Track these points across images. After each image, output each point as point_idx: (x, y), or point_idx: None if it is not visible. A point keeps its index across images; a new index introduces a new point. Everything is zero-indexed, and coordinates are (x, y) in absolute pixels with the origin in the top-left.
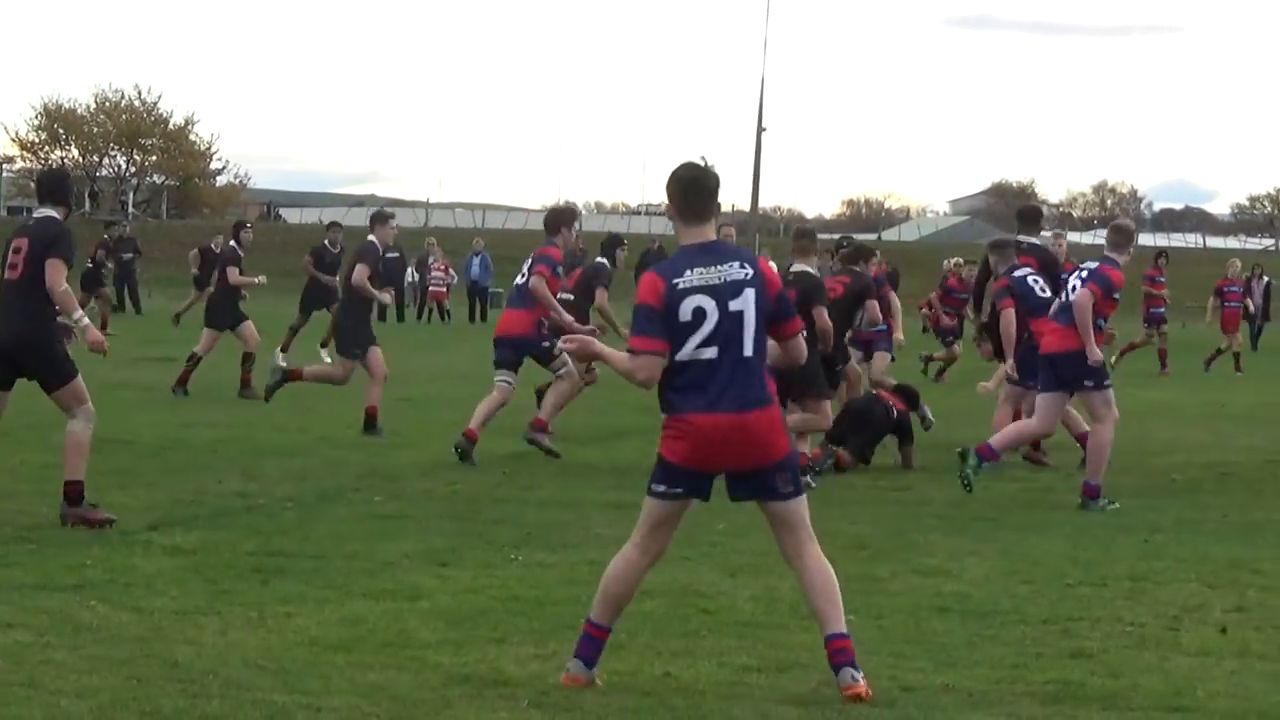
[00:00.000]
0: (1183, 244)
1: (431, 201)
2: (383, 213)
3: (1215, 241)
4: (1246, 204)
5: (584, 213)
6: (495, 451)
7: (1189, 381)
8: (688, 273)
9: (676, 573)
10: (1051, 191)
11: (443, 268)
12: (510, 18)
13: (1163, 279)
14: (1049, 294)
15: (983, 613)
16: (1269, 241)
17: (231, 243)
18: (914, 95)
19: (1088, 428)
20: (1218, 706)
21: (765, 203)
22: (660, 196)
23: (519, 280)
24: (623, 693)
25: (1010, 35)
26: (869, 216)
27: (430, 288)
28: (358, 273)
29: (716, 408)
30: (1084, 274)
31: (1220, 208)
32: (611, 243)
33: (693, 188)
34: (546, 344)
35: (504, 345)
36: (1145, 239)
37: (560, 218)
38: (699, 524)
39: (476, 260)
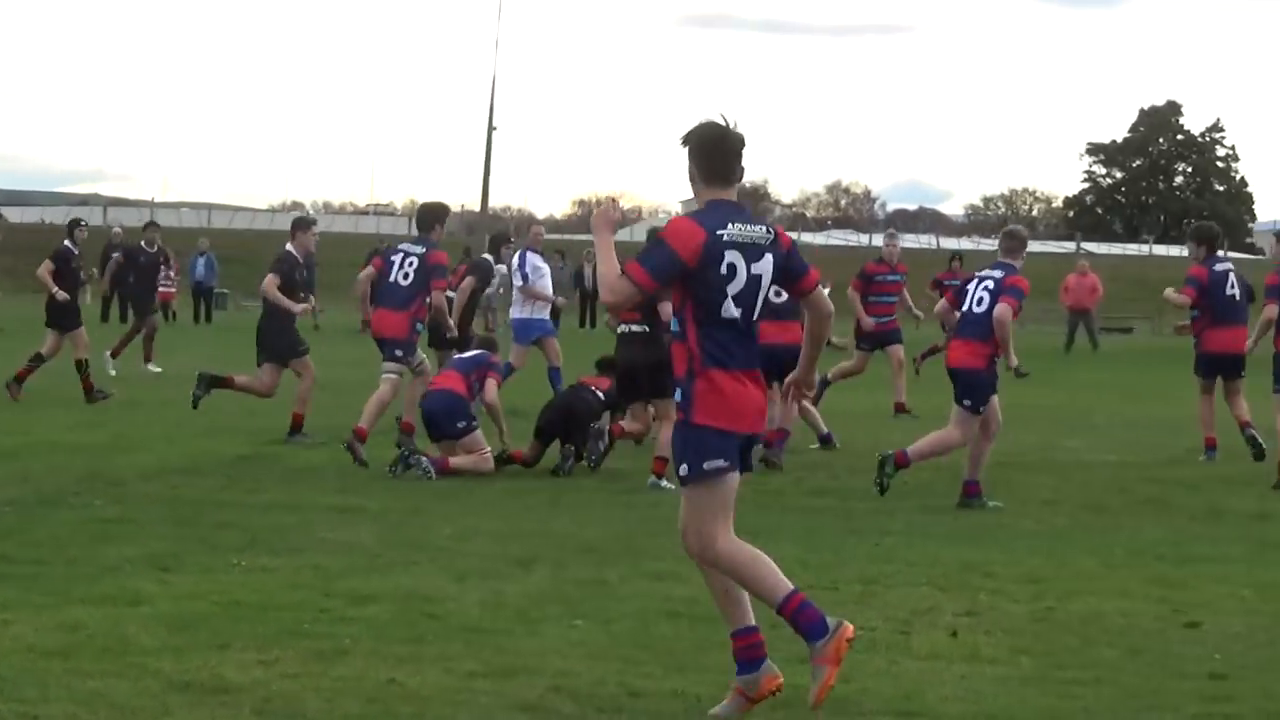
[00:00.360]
0: (916, 245)
1: (157, 201)
2: (304, 219)
3: (949, 242)
4: (980, 204)
5: (311, 212)
6: (220, 455)
7: (923, 384)
8: (729, 225)
9: (401, 578)
10: (785, 191)
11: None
12: (236, 13)
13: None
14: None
15: (712, 617)
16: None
17: None
18: (647, 94)
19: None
20: (948, 710)
21: (495, 202)
22: (389, 196)
23: (399, 280)
24: (347, 699)
25: (744, 34)
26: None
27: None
28: (266, 282)
29: (749, 367)
30: (990, 285)
31: (954, 208)
32: (497, 240)
33: (718, 148)
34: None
35: (384, 345)
36: (878, 240)
37: (436, 215)
38: (426, 528)
39: (202, 260)
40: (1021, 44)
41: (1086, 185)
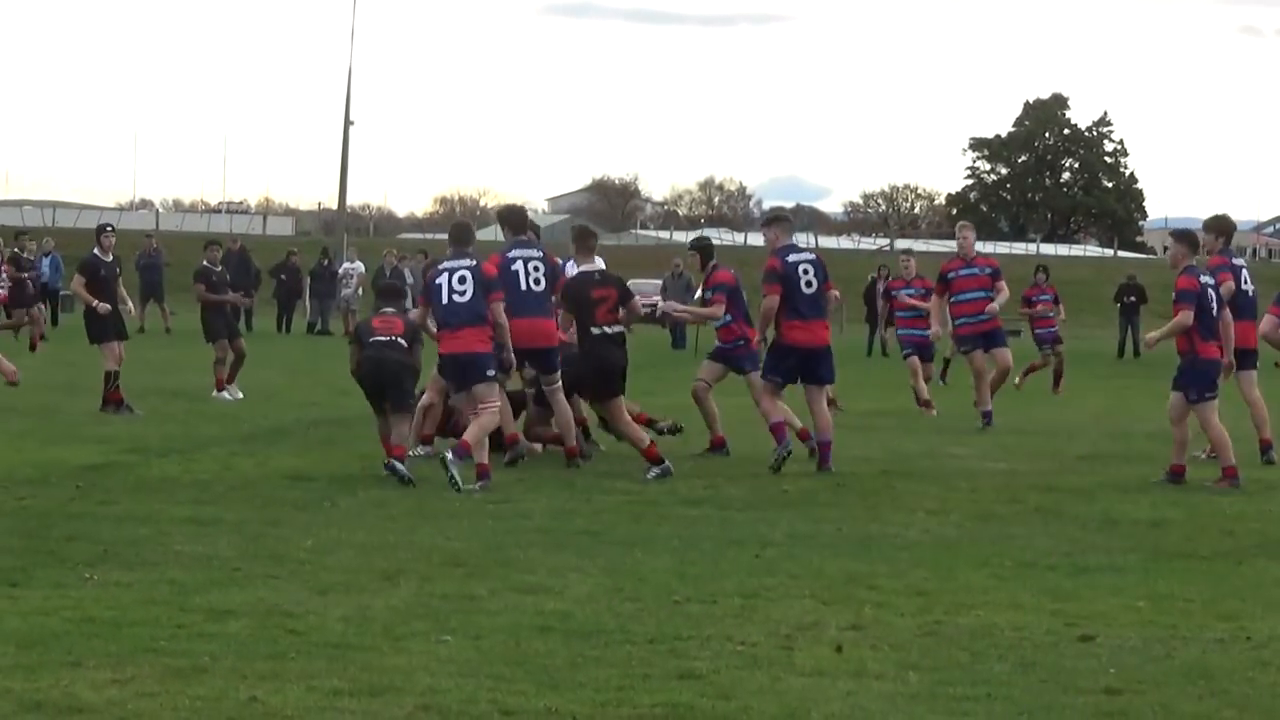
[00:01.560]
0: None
1: None
2: (103, 225)
3: (829, 241)
4: (860, 202)
5: (160, 210)
6: (69, 464)
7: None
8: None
9: (261, 591)
10: (656, 188)
11: (5, 270)
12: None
13: (1047, 296)
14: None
15: (586, 632)
16: (883, 241)
17: None
18: (510, 87)
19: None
20: None
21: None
22: (242, 193)
23: (531, 287)
24: (206, 718)
25: (612, 24)
26: (464, 214)
27: None
28: (74, 283)
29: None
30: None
31: (833, 206)
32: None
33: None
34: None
35: (538, 355)
36: (755, 239)
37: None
38: (285, 540)
39: (47, 261)
40: (902, 35)
41: (970, 182)
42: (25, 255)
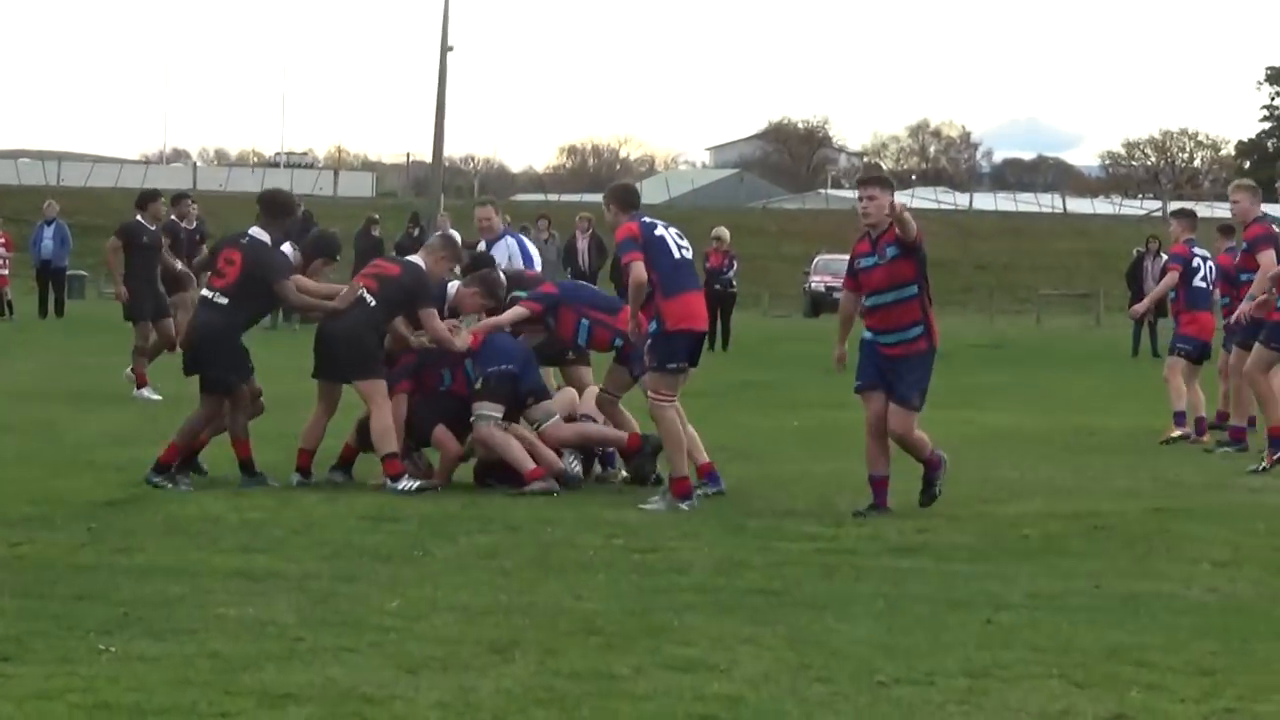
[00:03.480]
0: (1034, 208)
1: None
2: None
3: (1080, 205)
4: (1121, 153)
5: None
6: (79, 500)
7: (1049, 399)
8: None
9: (333, 669)
10: (850, 134)
11: (2, 241)
12: None
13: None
14: None
15: None
16: (1153, 205)
17: None
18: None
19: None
20: None
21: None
22: (305, 142)
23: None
24: None
25: None
26: (597, 169)
27: None
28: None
29: None
30: None
31: (1085, 158)
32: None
33: None
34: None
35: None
36: (983, 201)
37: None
38: (364, 599)
39: (49, 231)
40: None
41: (1268, 126)
42: (184, 224)
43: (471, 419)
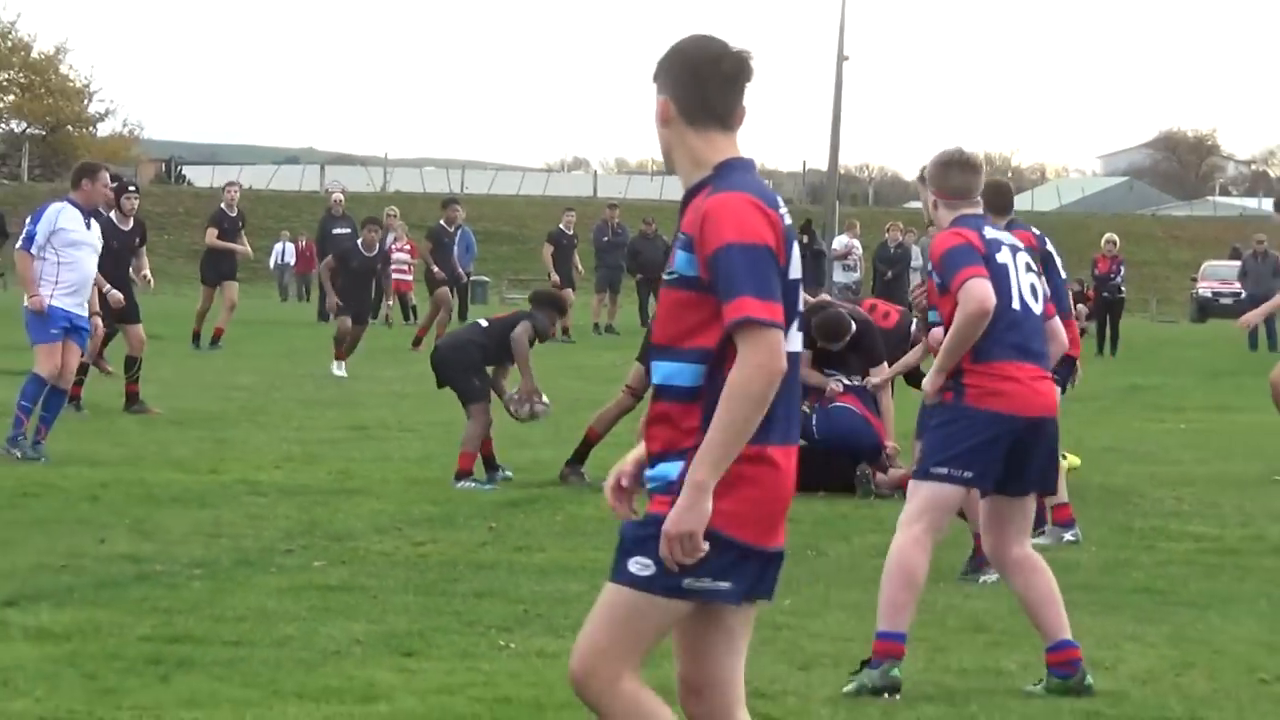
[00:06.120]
0: None
1: (391, 158)
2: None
3: None
4: None
5: (599, 171)
6: (477, 499)
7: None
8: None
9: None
10: (1238, 145)
11: (407, 248)
12: None
13: None
14: None
15: (1146, 719)
16: None
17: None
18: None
19: None
20: None
21: (849, 159)
22: None
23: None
24: None
25: None
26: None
27: (393, 275)
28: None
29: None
30: None
31: None
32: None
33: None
34: None
35: None
36: None
37: None
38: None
39: (455, 237)
40: None
41: None
42: (450, 227)
43: None
